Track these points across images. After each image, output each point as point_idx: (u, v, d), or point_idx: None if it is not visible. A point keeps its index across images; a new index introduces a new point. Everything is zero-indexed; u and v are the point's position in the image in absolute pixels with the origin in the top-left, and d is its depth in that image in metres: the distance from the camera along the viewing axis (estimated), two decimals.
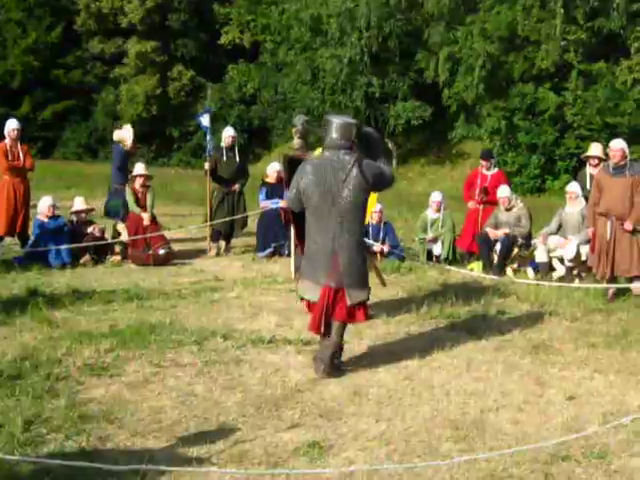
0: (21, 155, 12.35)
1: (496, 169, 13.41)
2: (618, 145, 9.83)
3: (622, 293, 9.95)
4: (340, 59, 35.04)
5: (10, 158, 12.26)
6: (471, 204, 12.99)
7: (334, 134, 6.66)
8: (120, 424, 5.41)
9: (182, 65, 42.78)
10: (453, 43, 33.13)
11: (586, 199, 11.19)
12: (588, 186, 11.38)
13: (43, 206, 11.87)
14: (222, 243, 13.35)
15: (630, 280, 9.87)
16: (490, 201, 12.78)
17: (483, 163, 13.15)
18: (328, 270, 6.54)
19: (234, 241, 13.64)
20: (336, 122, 6.71)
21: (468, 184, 13.30)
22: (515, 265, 11.98)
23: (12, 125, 12.41)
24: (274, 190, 13.07)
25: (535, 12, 30.77)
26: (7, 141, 12.32)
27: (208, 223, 13.25)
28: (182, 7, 42.75)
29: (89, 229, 12.11)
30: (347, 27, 34.84)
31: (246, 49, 42.90)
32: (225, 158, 13.11)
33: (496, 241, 11.90)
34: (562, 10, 29.90)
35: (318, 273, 6.59)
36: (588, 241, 10.63)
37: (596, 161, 11.45)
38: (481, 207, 12.79)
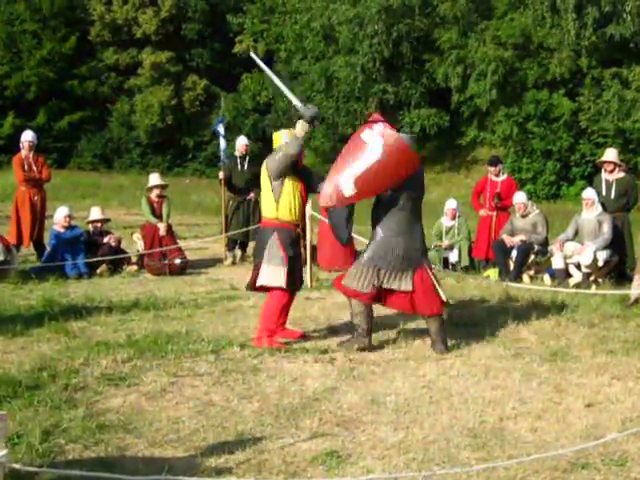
0: (34, 167, 12.42)
1: (505, 175, 13.32)
2: None
3: None
4: (354, 67, 34.99)
5: (26, 169, 12.35)
6: (483, 212, 12.91)
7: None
8: (138, 434, 5.41)
9: (196, 75, 42.91)
10: (465, 48, 33.04)
11: (602, 205, 11.16)
12: (604, 192, 11.35)
13: (59, 216, 11.91)
14: (238, 252, 13.37)
15: None
16: (503, 207, 12.73)
17: (491, 169, 13.04)
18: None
19: (249, 250, 13.64)
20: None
21: (476, 193, 13.22)
22: (532, 272, 11.94)
23: (27, 137, 12.52)
24: None
25: (548, 19, 30.68)
26: (23, 152, 12.41)
27: (224, 235, 13.28)
28: (196, 17, 42.93)
29: (105, 239, 12.16)
30: (359, 34, 34.81)
31: (260, 58, 42.96)
32: (239, 167, 13.16)
33: (512, 248, 11.85)
34: (574, 15, 29.77)
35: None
36: (605, 247, 10.59)
37: (611, 166, 11.41)
38: (494, 214, 12.74)
